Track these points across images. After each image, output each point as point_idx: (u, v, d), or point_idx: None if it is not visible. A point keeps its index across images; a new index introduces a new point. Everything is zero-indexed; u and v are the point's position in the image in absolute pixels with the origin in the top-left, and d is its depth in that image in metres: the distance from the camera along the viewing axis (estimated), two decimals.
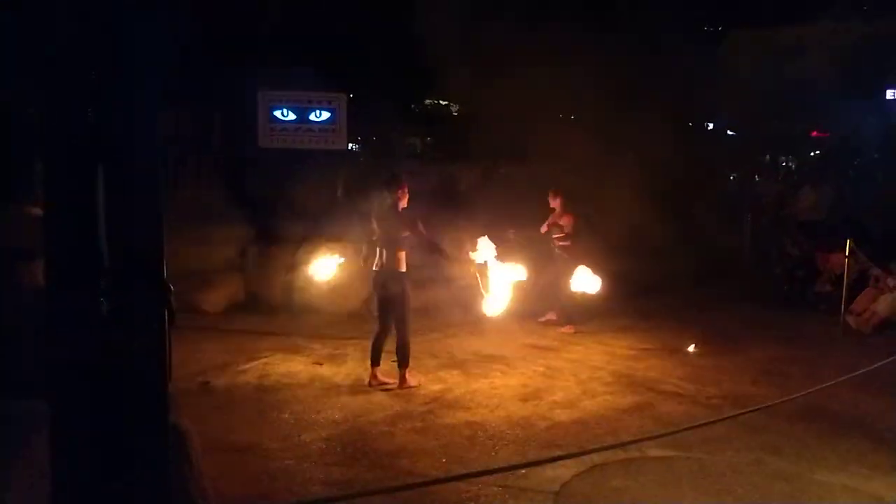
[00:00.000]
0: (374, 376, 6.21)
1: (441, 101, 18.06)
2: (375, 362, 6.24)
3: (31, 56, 1.78)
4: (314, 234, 9.73)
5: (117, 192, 1.63)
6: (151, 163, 1.66)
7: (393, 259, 6.04)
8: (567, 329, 8.40)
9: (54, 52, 1.70)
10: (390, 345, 6.20)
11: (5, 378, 3.27)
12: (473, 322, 8.62)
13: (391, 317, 6.20)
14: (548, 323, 8.58)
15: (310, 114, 12.02)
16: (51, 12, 1.73)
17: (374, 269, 6.18)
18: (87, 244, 1.62)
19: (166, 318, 1.78)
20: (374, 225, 6.18)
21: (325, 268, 7.61)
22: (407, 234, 6.07)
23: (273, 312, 8.95)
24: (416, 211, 6.29)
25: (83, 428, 1.76)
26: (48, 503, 1.85)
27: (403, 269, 6.11)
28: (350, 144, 14.37)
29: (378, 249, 6.13)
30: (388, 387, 6.14)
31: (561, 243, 8.32)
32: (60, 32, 1.70)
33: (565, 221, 8.28)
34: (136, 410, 1.76)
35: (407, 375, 6.19)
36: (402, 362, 6.19)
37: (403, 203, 6.15)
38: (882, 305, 8.46)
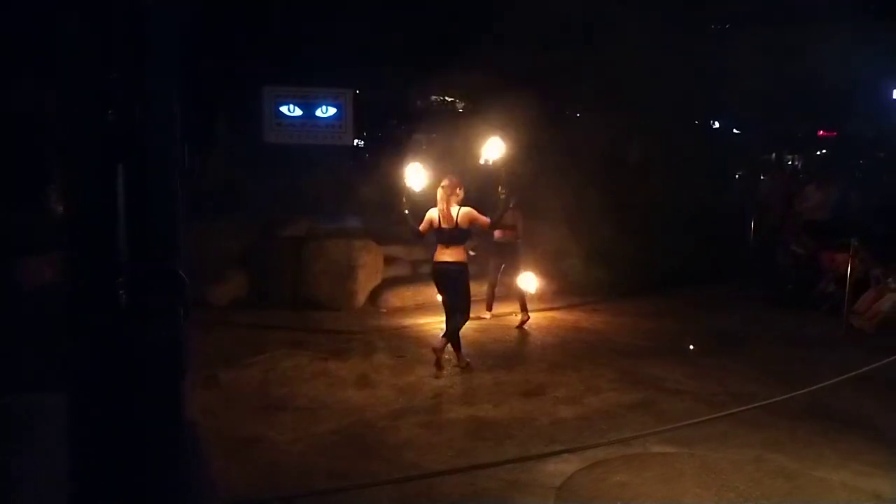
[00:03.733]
0: (459, 359, 6.68)
1: (447, 98, 18.00)
2: (457, 348, 6.66)
3: (50, 57, 1.82)
4: (319, 229, 9.82)
5: (137, 191, 1.66)
6: (170, 162, 1.70)
7: (456, 252, 6.51)
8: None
9: (74, 53, 1.74)
10: (393, 340, 6.21)
11: (15, 372, 3.32)
12: (477, 318, 8.70)
13: (453, 303, 6.63)
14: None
15: (315, 109, 12.01)
16: (69, 12, 1.76)
17: (436, 261, 6.60)
18: (107, 241, 1.66)
19: (182, 312, 1.82)
20: (437, 222, 6.51)
21: None
22: (470, 226, 6.52)
23: (278, 307, 9.01)
24: (468, 204, 6.62)
25: (100, 421, 1.80)
26: (64, 495, 1.89)
27: (466, 260, 6.61)
28: (356, 140, 14.37)
29: (439, 245, 6.56)
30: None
31: (510, 239, 8.55)
32: (79, 32, 1.74)
33: (516, 219, 8.42)
34: (152, 404, 1.80)
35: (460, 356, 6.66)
36: (456, 346, 6.63)
37: (458, 200, 6.53)
38: (885, 305, 8.48)
